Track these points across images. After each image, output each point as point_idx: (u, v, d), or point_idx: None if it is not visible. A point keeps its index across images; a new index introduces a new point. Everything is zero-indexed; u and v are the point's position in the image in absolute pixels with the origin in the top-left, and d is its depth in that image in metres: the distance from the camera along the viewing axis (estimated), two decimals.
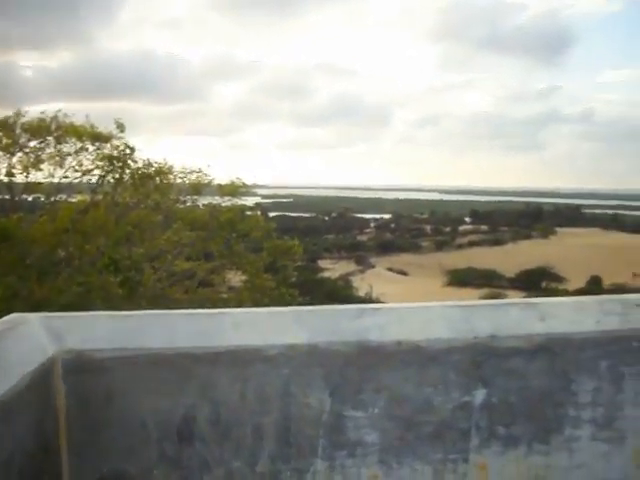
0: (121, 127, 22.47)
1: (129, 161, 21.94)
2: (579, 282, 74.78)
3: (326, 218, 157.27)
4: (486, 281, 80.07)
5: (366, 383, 2.96)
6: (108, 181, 22.68)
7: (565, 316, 3.24)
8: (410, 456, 3.04)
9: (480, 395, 3.08)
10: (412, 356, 3.00)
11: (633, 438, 3.35)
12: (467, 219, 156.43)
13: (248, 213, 22.89)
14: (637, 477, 3.39)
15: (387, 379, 2.98)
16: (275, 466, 2.93)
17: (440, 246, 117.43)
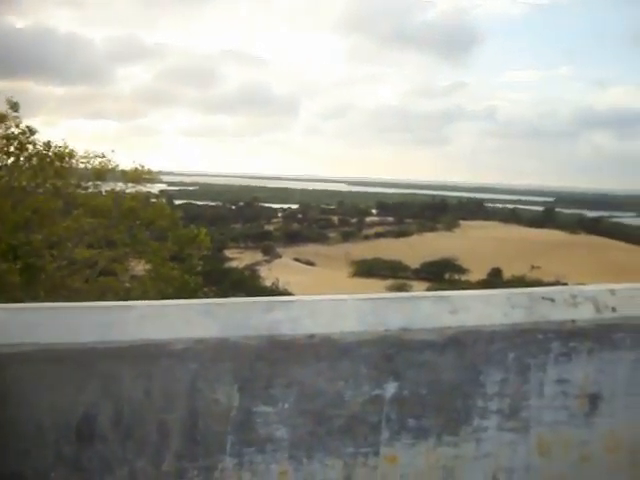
0: (14, 106, 21.36)
1: (27, 144, 20.98)
2: (481, 274, 77.46)
3: (233, 207, 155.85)
4: (392, 272, 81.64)
5: (277, 378, 2.89)
6: (6, 164, 21.62)
7: (475, 309, 3.27)
8: (321, 451, 2.99)
9: (391, 388, 3.07)
10: (324, 350, 2.95)
11: (537, 427, 3.43)
12: (374, 211, 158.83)
13: (153, 201, 22.33)
14: (540, 465, 3.48)
15: (298, 373, 2.92)
16: (181, 464, 2.81)
17: (347, 237, 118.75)
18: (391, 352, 3.06)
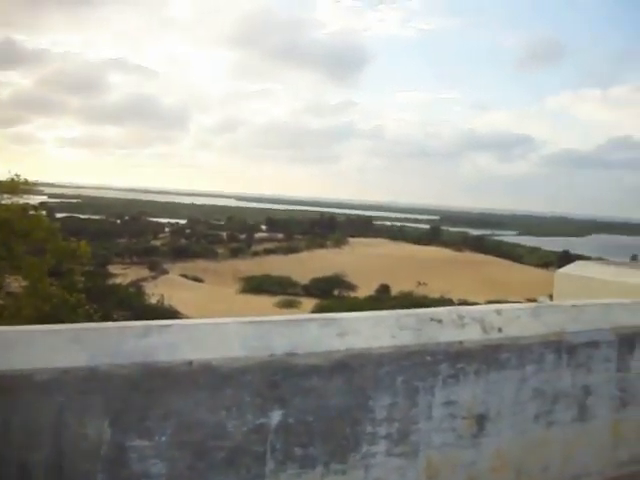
0: None
1: None
2: (369, 290, 78.75)
3: (118, 221, 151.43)
4: (281, 288, 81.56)
5: (152, 409, 2.66)
6: None
7: (364, 331, 3.18)
8: None
9: (276, 416, 2.92)
10: (204, 377, 2.75)
11: (426, 451, 3.38)
12: (263, 227, 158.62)
13: (31, 213, 21.20)
14: None
15: (176, 403, 2.71)
16: None
17: (236, 253, 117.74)
18: (276, 378, 2.90)
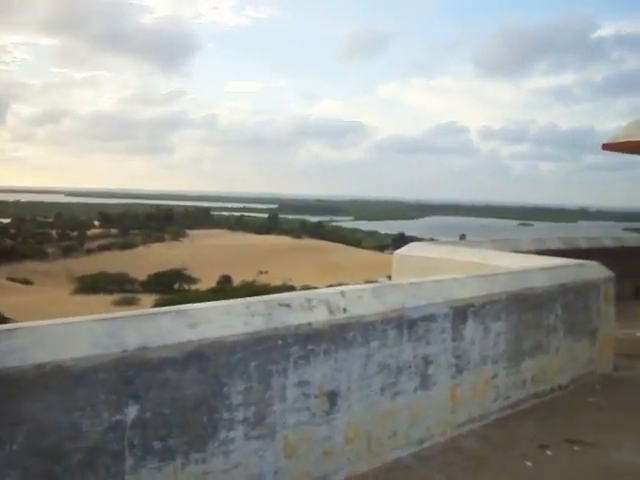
0: None
1: None
2: (211, 282, 78.11)
3: None
4: (118, 286, 78.81)
5: (2, 417, 2.56)
6: None
7: (215, 321, 3.23)
8: None
9: (132, 412, 2.90)
10: (56, 379, 2.68)
11: (282, 431, 3.50)
12: (96, 222, 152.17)
13: None
14: (288, 467, 3.55)
15: (28, 409, 2.62)
16: None
17: (68, 252, 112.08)
18: (130, 374, 2.89)
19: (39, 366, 2.64)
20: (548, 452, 4.44)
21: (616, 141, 8.17)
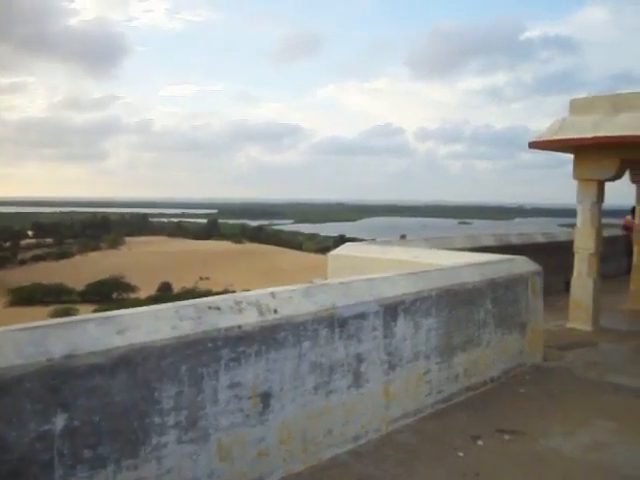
0: None
1: None
2: (151, 289, 76.93)
3: None
4: (55, 297, 76.89)
5: None
6: None
7: (143, 326, 3.22)
8: None
9: (61, 421, 2.86)
10: None
11: (215, 434, 3.50)
12: (29, 232, 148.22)
13: None
14: (222, 470, 3.55)
15: None
16: None
17: (1, 263, 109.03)
18: (57, 382, 2.85)
19: None
20: (479, 442, 4.57)
21: (542, 139, 8.45)
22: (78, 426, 2.90)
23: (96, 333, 3.05)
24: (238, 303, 3.71)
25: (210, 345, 3.43)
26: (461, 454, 4.37)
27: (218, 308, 3.60)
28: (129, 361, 3.07)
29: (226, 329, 3.50)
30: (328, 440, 4.19)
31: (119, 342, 3.05)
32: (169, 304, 3.56)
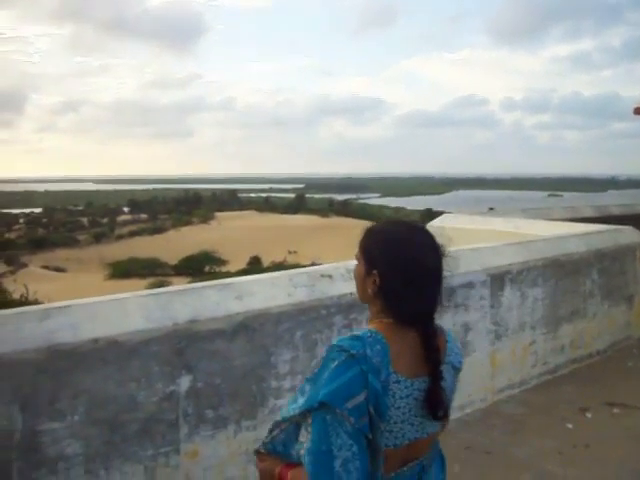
0: None
1: None
2: (241, 263, 78.45)
3: None
4: (150, 270, 79.57)
5: (62, 390, 2.67)
6: None
7: (260, 293, 3.31)
8: (118, 458, 2.84)
9: (185, 382, 3.00)
10: (111, 353, 2.79)
11: None
12: (125, 209, 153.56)
13: None
14: None
15: (86, 382, 2.73)
16: None
17: (99, 238, 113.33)
18: (181, 346, 2.98)
19: (94, 341, 2.75)
20: (588, 415, 4.48)
21: None
22: (201, 387, 3.04)
23: (216, 299, 3.17)
24: (349, 271, 3.75)
25: (323, 312, 3.50)
26: (570, 426, 4.30)
27: (330, 276, 3.65)
28: (247, 327, 3.18)
29: (339, 296, 3.56)
30: None
31: (238, 308, 3.15)
32: (284, 272, 3.65)
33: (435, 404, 1.52)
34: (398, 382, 1.49)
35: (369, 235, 1.66)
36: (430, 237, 1.64)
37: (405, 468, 1.58)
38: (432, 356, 1.53)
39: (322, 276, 3.63)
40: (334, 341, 1.51)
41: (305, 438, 1.50)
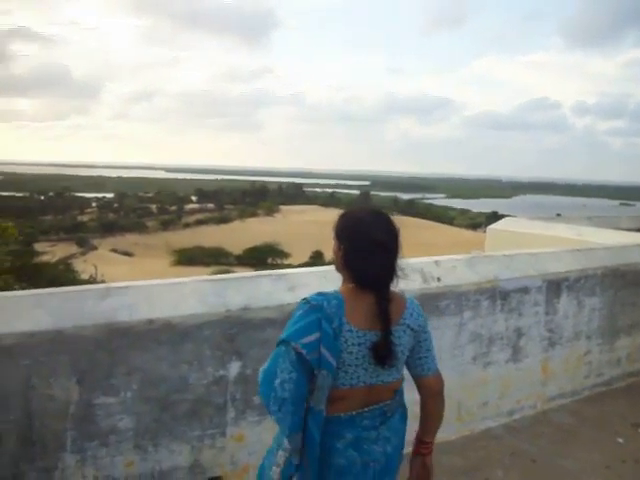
0: None
1: None
2: (303, 257, 78.92)
3: (42, 197, 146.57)
4: (214, 259, 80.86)
5: (117, 366, 2.79)
6: None
7: (312, 284, 3.35)
8: (167, 437, 2.94)
9: (235, 368, 3.08)
10: (165, 334, 2.89)
11: None
12: (193, 198, 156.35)
13: None
14: None
15: (139, 360, 2.84)
16: (18, 468, 2.64)
17: (167, 225, 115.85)
18: (233, 332, 3.06)
19: (150, 322, 2.85)
20: None
21: None
22: (250, 374, 3.11)
23: (269, 288, 3.24)
24: (402, 269, 3.78)
25: None
26: (620, 440, 4.22)
27: None
28: None
29: None
30: (482, 412, 4.19)
31: (290, 299, 3.21)
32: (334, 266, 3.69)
33: (382, 354, 1.89)
34: (350, 331, 1.88)
35: (340, 218, 2.06)
36: (384, 219, 2.02)
37: (366, 409, 1.96)
38: (382, 315, 1.90)
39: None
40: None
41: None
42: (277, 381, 1.84)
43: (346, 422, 1.94)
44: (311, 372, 1.84)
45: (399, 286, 3.55)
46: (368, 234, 1.95)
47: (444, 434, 3.97)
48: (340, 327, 1.87)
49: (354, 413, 1.94)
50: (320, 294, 1.94)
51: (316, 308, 1.88)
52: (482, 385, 4.14)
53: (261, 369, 1.94)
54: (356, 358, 1.89)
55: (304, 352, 1.82)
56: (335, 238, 2.04)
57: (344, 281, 2.02)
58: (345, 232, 2.00)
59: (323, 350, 1.84)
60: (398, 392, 2.06)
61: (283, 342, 1.88)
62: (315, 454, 1.87)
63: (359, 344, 1.88)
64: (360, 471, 1.96)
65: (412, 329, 2.01)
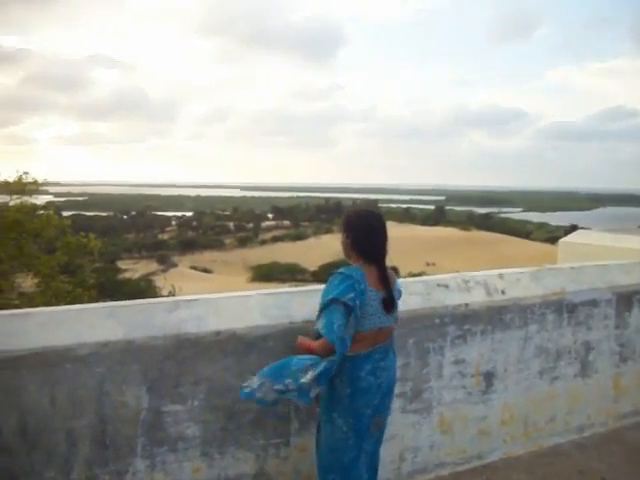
0: None
1: None
2: None
3: (125, 216, 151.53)
4: (290, 275, 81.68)
5: (185, 376, 2.91)
6: None
7: None
8: (232, 445, 3.04)
9: None
10: (230, 345, 2.99)
11: (438, 407, 3.62)
12: (269, 215, 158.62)
13: (41, 212, 21.38)
14: (443, 443, 3.67)
15: (206, 370, 2.95)
16: (91, 471, 2.78)
17: (244, 242, 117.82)
18: (296, 344, 3.13)
19: (216, 333, 2.96)
20: None
21: None
22: None
23: None
24: (466, 282, 3.78)
25: (437, 321, 3.54)
26: None
27: (446, 286, 3.70)
28: None
29: (453, 306, 3.60)
30: (550, 427, 4.12)
31: None
32: (399, 280, 3.73)
33: (388, 305, 2.80)
34: (371, 291, 2.76)
35: (346, 216, 2.94)
36: (377, 214, 2.91)
37: (376, 347, 2.81)
38: (385, 280, 2.83)
39: (438, 285, 3.68)
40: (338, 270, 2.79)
41: (320, 322, 2.73)
42: (335, 325, 2.64)
43: (365, 357, 2.79)
44: (349, 317, 2.66)
45: (463, 299, 3.57)
46: (369, 224, 2.86)
47: (510, 448, 3.94)
48: (364, 289, 2.72)
49: (369, 350, 2.79)
50: (348, 267, 2.81)
51: (349, 276, 2.73)
52: (549, 400, 4.07)
53: (321, 324, 2.71)
54: (373, 307, 2.75)
55: (350, 304, 2.66)
56: (343, 231, 2.91)
57: (354, 260, 2.86)
58: (351, 224, 2.89)
59: (357, 302, 2.68)
60: (392, 335, 2.92)
61: (334, 300, 2.68)
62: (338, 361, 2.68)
63: (374, 299, 2.77)
64: (376, 391, 2.81)
65: (400, 292, 2.99)
